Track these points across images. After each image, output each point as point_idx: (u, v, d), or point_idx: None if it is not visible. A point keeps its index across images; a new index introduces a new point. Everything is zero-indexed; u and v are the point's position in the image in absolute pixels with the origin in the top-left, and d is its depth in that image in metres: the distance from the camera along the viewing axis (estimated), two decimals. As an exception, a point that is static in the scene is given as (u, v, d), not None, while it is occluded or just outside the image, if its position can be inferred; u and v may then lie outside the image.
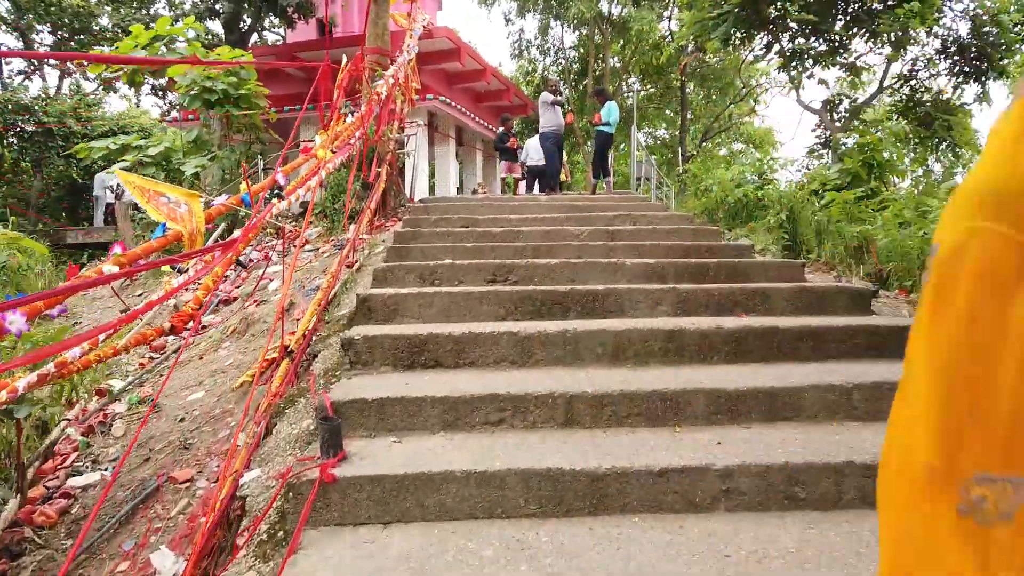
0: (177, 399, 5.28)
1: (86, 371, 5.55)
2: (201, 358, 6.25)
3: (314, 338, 5.18)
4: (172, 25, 11.52)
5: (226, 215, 6.80)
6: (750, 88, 22.98)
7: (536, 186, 12.12)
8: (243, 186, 4.81)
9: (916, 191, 12.45)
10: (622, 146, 26.56)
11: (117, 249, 3.66)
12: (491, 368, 3.87)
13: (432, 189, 19.76)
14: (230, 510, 3.20)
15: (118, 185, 13.12)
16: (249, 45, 16.19)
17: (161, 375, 6.16)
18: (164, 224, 3.86)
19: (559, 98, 10.31)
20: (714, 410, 3.21)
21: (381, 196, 9.09)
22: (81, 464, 4.43)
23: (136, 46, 10.98)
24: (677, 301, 4.64)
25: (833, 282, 6.08)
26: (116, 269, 3.42)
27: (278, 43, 22.57)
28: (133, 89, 12.09)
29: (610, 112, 9.98)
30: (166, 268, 6.64)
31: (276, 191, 7.23)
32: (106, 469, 4.30)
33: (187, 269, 5.73)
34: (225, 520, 3.24)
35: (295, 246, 9.51)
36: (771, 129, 25.47)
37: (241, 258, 8.94)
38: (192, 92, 10.15)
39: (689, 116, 22.31)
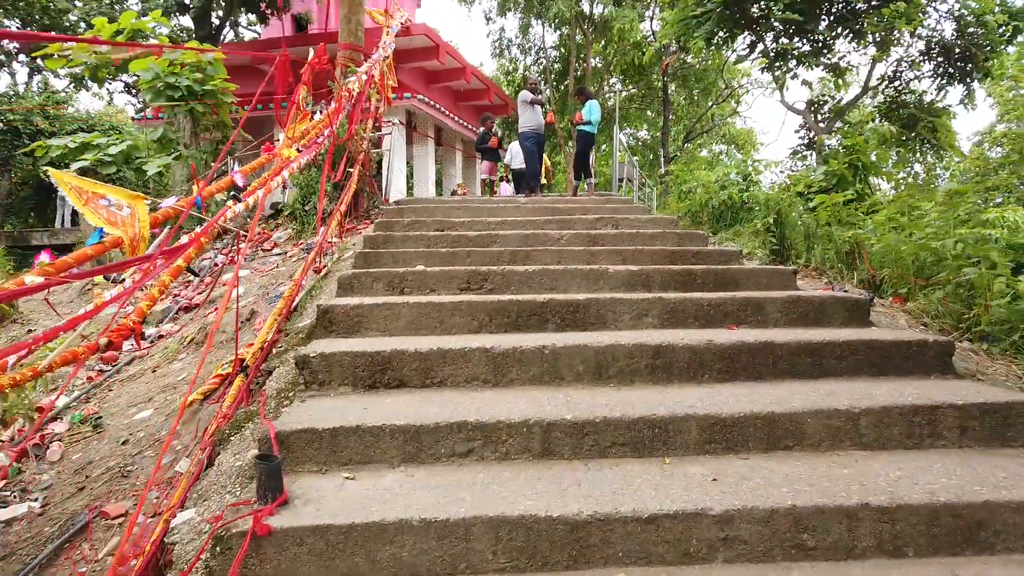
0: (123, 418, 4.86)
1: (22, 387, 5.11)
2: (154, 371, 5.83)
3: (273, 351, 4.79)
4: (138, 19, 11.03)
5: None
6: (732, 89, 22.80)
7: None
8: (196, 188, 4.42)
9: (899, 193, 12.27)
10: (603, 147, 26.31)
11: (43, 257, 3.25)
12: (462, 387, 3.52)
13: (410, 190, 19.36)
14: (160, 557, 2.81)
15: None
16: (221, 41, 15.69)
17: (111, 390, 5.73)
18: (101, 229, 3.47)
19: (539, 97, 9.99)
20: (708, 439, 2.87)
21: (353, 198, 8.70)
22: (9, 493, 4.01)
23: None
24: (664, 312, 4.30)
25: (826, 290, 5.80)
26: (40, 280, 3.02)
27: (255, 40, 22.05)
28: (97, 84, 11.55)
29: (591, 111, 9.65)
30: (99, 279, 6.20)
31: (234, 193, 6.79)
32: (36, 499, 3.89)
33: (123, 280, 5.32)
34: (155, 567, 2.85)
35: (263, 249, 9.11)
36: (752, 130, 25.33)
37: (195, 265, 8.51)
38: (155, 88, 9.69)
39: (671, 117, 22.08)
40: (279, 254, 8.52)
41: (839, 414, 2.90)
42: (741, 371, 3.54)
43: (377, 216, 8.52)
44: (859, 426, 2.89)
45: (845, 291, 5.47)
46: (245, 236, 9.59)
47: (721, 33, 14.34)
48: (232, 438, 3.32)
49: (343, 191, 8.25)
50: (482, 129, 12.67)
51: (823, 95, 14.13)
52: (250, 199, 4.60)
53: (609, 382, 3.52)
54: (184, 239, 3.89)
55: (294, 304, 5.49)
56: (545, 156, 17.57)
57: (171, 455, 3.99)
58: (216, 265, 9.01)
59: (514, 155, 14.61)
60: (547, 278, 5.12)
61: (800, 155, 14.49)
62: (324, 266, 6.77)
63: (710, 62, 20.84)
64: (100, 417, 4.96)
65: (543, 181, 18.67)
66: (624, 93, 26.45)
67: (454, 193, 18.67)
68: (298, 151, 6.14)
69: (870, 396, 3.07)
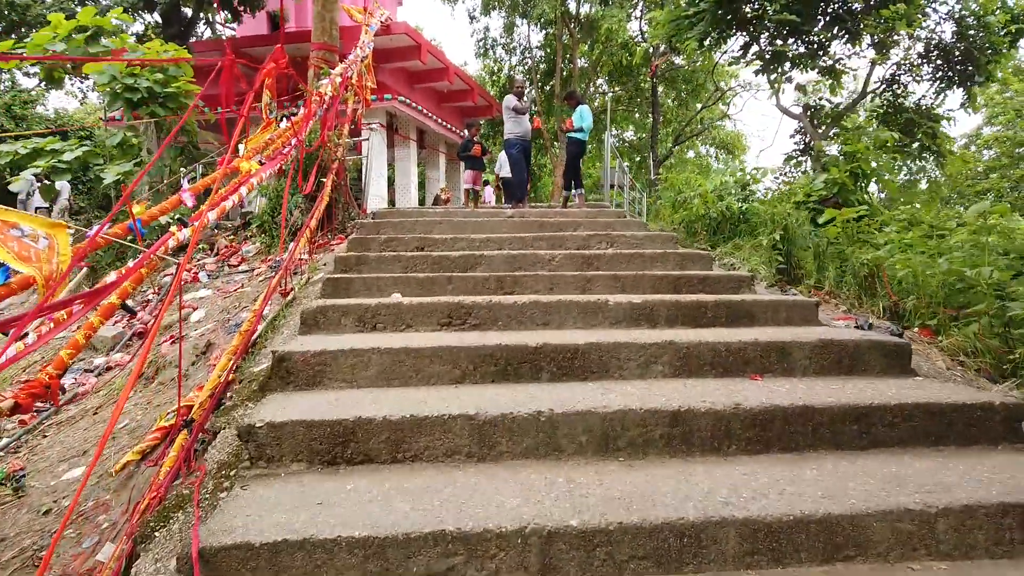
0: (50, 476, 4.21)
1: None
2: (96, 413, 5.17)
3: (227, 395, 4.16)
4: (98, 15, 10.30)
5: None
6: (722, 92, 22.33)
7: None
8: (149, 207, 3.79)
9: (909, 209, 11.79)
10: (590, 147, 25.72)
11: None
12: (441, 463, 2.91)
13: (392, 196, 18.71)
14: None
15: (30, 189, 11.82)
16: (193, 40, 14.97)
17: (45, 436, 5.06)
18: (7, 267, 2.85)
19: (523, 105, 9.33)
20: (749, 549, 2.29)
21: (326, 210, 8.06)
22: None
23: (55, 37, 9.77)
24: (675, 358, 3.72)
25: (845, 319, 5.25)
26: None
27: (230, 39, 21.24)
28: (55, 86, 10.80)
29: (583, 117, 9.06)
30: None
31: (178, 217, 6.07)
32: (-72, 593, 3.23)
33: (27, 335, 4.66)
34: None
35: (230, 265, 8.44)
36: (741, 134, 24.87)
37: (156, 282, 7.84)
38: (113, 90, 8.99)
39: (659, 119, 21.57)
40: (246, 271, 7.86)
41: (911, 515, 2.32)
42: (775, 441, 2.96)
43: (352, 231, 7.88)
44: (936, 531, 2.32)
45: (870, 323, 4.92)
46: (223, 249, 8.92)
47: (714, 34, 13.83)
48: (157, 533, 2.69)
49: (315, 203, 7.61)
50: (465, 135, 11.93)
51: (820, 99, 13.63)
52: (217, 212, 3.96)
53: (618, 455, 2.93)
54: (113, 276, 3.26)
55: (254, 336, 4.86)
56: None
57: (95, 535, 3.36)
58: (188, 280, 8.33)
59: (502, 164, 14.03)
60: (538, 311, 4.53)
61: (796, 161, 14.00)
62: (291, 289, 6.14)
63: (700, 63, 20.35)
64: (24, 475, 4.30)
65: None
66: (610, 94, 25.93)
67: (437, 198, 18.03)
68: (260, 164, 5.51)
69: (944, 486, 2.50)
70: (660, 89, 22.78)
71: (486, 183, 19.20)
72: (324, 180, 7.95)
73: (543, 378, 3.67)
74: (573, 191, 9.27)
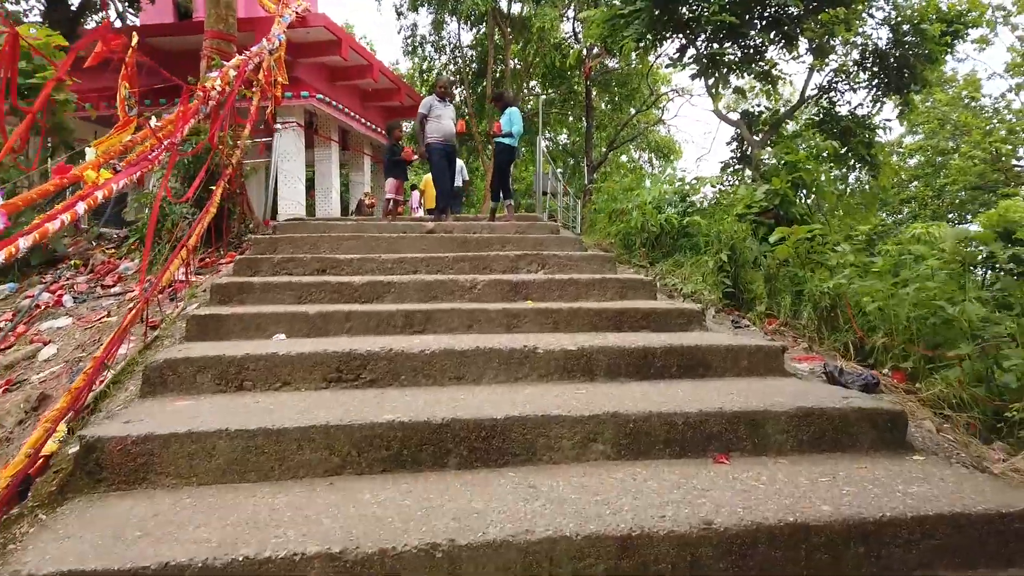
0: None
1: None
2: None
3: (36, 481, 3.12)
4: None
5: None
6: (656, 96, 21.92)
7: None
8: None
9: (841, 215, 11.43)
10: (522, 151, 24.97)
11: None
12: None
13: (312, 201, 17.46)
14: None
15: None
16: (81, 28, 13.45)
17: None
18: None
19: (443, 105, 8.34)
20: None
21: (215, 221, 6.98)
22: None
23: (-101, 18, 8.31)
24: (621, 435, 2.90)
25: (809, 360, 4.56)
26: None
27: (128, 28, 19.50)
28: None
29: (512, 120, 8.21)
30: None
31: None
32: None
33: None
34: None
35: (103, 286, 7.25)
36: (672, 139, 24.47)
37: (14, 304, 6.60)
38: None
39: (593, 123, 20.99)
40: (119, 294, 6.70)
41: None
42: None
43: (247, 247, 6.81)
44: None
45: (840, 368, 4.21)
46: (99, 264, 7.68)
47: (650, 35, 13.25)
48: None
49: (200, 214, 6.53)
50: (388, 142, 10.61)
51: (758, 105, 13.21)
52: (32, 238, 2.93)
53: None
54: None
55: (86, 396, 3.81)
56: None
57: None
58: (37, 307, 7.08)
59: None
60: (451, 363, 3.64)
61: (733, 169, 13.55)
62: (159, 322, 5.09)
63: (635, 67, 19.86)
64: None
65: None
66: (543, 97, 25.25)
67: (360, 203, 16.94)
68: (115, 171, 4.47)
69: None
70: (594, 93, 22.24)
71: (413, 188, 18.14)
72: (215, 187, 6.87)
73: (450, 464, 2.79)
74: (502, 201, 8.41)
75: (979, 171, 21.14)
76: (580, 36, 20.37)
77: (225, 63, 7.40)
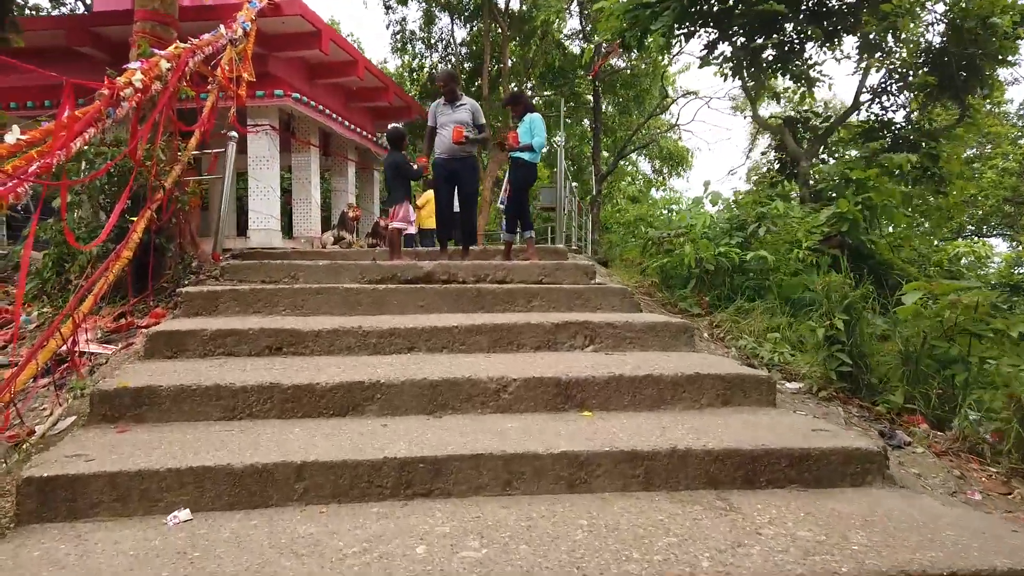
0: None
1: None
2: None
3: None
4: None
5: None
6: (672, 99, 20.15)
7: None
8: None
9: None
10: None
11: None
12: None
13: (288, 214, 15.59)
14: None
15: None
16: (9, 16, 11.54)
17: None
18: None
19: (450, 108, 6.38)
20: None
21: (134, 263, 5.15)
22: None
23: None
24: None
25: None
26: None
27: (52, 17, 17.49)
28: None
29: (533, 130, 6.29)
30: None
31: None
32: None
33: None
34: None
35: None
36: (685, 148, 22.57)
37: None
38: None
39: (601, 128, 19.20)
40: (3, 365, 4.85)
41: None
42: None
43: (179, 302, 4.94)
44: None
45: None
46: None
47: (680, 29, 11.52)
48: None
49: (109, 258, 4.68)
50: (395, 155, 7.20)
51: (806, 111, 11.49)
52: None
53: None
54: None
55: None
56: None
57: None
58: None
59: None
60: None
61: (772, 182, 11.80)
62: (31, 430, 3.31)
63: (645, 67, 18.10)
64: None
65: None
66: (537, 100, 23.42)
67: (343, 217, 15.06)
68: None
69: None
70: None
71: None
72: (137, 218, 5.03)
73: None
74: (523, 232, 6.54)
75: (1012, 184, 19.61)
76: (587, 31, 18.64)
77: (157, 52, 5.54)
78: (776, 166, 11.77)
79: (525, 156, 6.33)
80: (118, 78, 4.69)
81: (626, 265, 9.96)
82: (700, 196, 8.25)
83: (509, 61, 21.20)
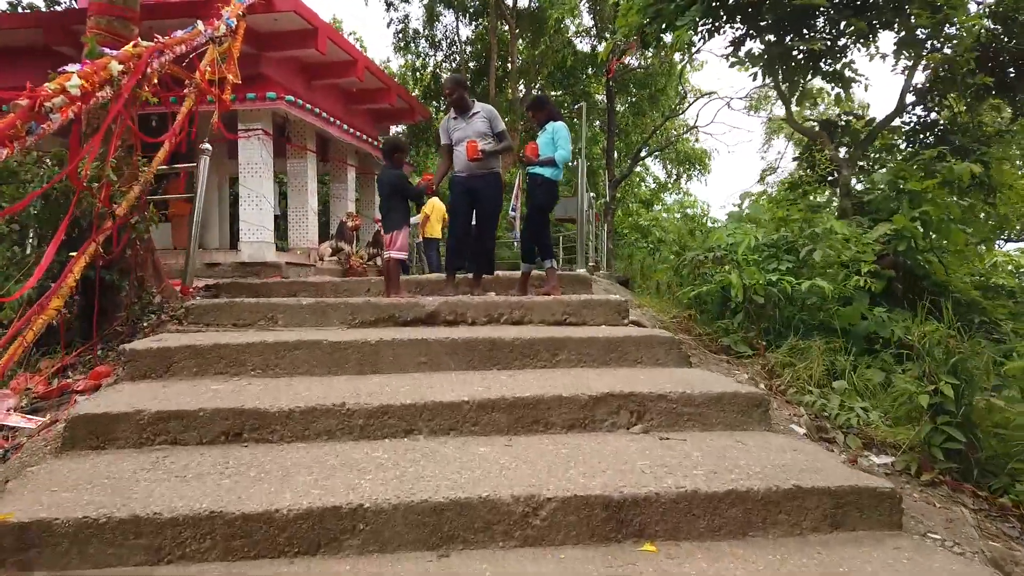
0: None
1: None
2: None
3: None
4: None
5: None
6: (692, 99, 19.18)
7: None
8: None
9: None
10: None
11: None
12: None
13: (283, 223, 14.68)
14: None
15: None
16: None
17: None
18: None
19: (463, 120, 5.39)
20: None
21: (79, 306, 4.25)
22: None
23: None
24: None
25: None
26: None
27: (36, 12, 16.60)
28: None
29: (557, 141, 5.28)
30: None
31: None
32: None
33: None
34: None
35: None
36: (704, 151, 21.56)
37: None
38: None
39: (615, 131, 18.21)
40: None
41: None
42: None
43: (121, 362, 4.01)
44: None
45: None
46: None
47: (701, 24, 10.59)
48: None
49: (40, 301, 3.78)
50: (392, 171, 5.88)
51: (847, 113, 10.52)
52: None
53: None
54: None
55: None
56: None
57: None
58: None
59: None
60: None
61: (804, 189, 10.83)
62: None
63: (661, 65, 17.12)
64: None
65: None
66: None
67: (342, 226, 14.17)
68: None
69: None
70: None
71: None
72: (75, 255, 4.12)
73: None
74: (543, 261, 5.58)
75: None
76: (599, 29, 17.69)
77: (108, 51, 4.63)
78: (807, 171, 10.79)
79: (546, 172, 5.37)
80: (47, 84, 3.77)
81: (644, 278, 9.02)
82: (738, 209, 7.33)
83: (517, 60, 20.28)
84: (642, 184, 25.60)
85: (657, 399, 3.36)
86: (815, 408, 4.56)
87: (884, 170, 8.62)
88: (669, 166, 22.40)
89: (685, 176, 22.06)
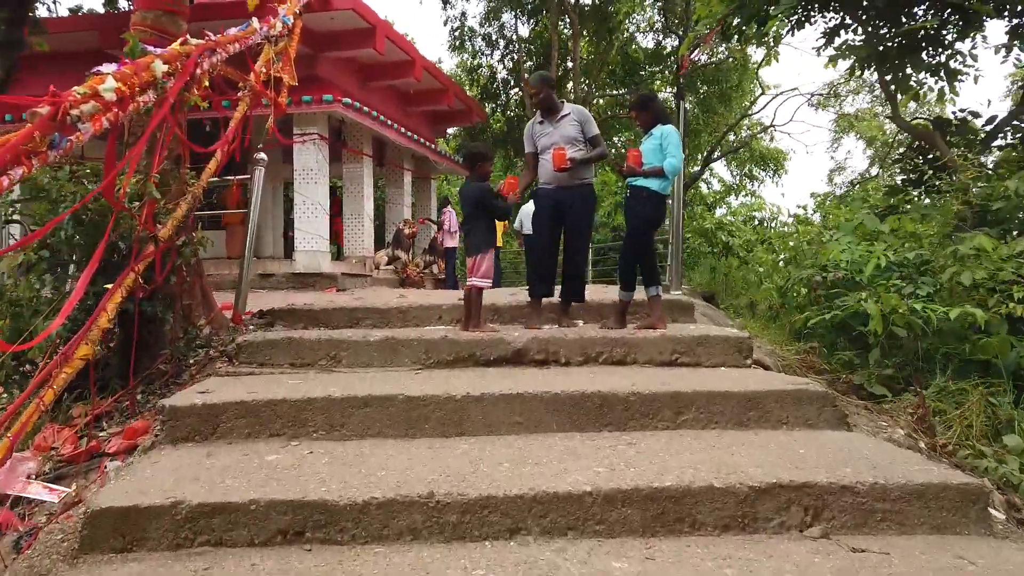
0: None
1: None
2: None
3: None
4: None
5: None
6: (769, 96, 18.06)
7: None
8: None
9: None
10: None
11: None
12: None
13: (338, 236, 14.16)
14: None
15: None
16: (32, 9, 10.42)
17: None
18: None
19: (550, 124, 4.70)
20: None
21: (118, 344, 3.63)
22: None
23: None
24: None
25: None
26: None
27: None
28: None
29: (667, 147, 4.47)
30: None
31: None
32: None
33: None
34: None
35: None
36: (780, 150, 20.32)
37: None
38: None
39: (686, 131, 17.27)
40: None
41: None
42: None
43: (158, 419, 3.37)
44: None
45: None
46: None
47: (799, 12, 9.67)
48: None
49: (69, 343, 3.17)
50: (476, 184, 4.81)
51: (962, 111, 9.44)
52: None
53: None
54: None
55: None
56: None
57: None
58: None
59: (524, 218, 9.82)
60: None
61: (906, 195, 9.75)
62: None
63: (733, 60, 16.10)
64: None
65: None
66: (601, 100, 21.58)
67: (399, 233, 13.61)
68: None
69: None
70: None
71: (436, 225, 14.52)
72: (110, 288, 3.50)
73: None
74: (646, 288, 4.72)
75: None
76: (667, 23, 16.75)
77: (152, 49, 4.00)
78: (912, 176, 9.72)
79: (653, 184, 4.56)
80: (75, 88, 3.13)
81: (730, 293, 8.09)
82: (855, 221, 6.41)
83: (579, 58, 19.47)
84: (705, 185, 24.53)
85: (840, 491, 2.54)
86: (996, 477, 3.67)
87: (1019, 174, 7.55)
88: (735, 167, 21.27)
89: (754, 178, 20.88)
